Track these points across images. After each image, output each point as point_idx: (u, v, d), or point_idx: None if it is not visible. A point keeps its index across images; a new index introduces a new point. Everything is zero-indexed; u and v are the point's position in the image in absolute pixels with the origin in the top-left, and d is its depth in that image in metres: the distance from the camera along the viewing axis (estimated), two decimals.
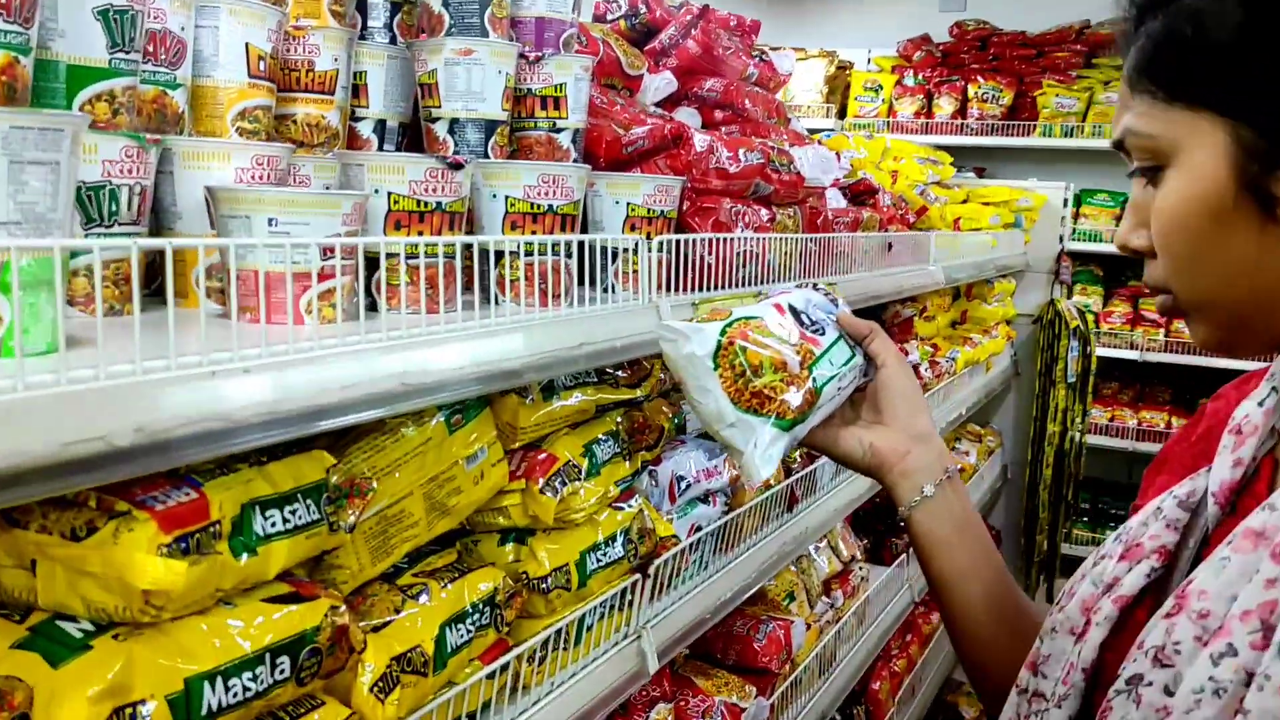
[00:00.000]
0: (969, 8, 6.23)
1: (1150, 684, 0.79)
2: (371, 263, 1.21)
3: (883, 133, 5.59)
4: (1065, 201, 4.27)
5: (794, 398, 1.06)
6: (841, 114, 6.04)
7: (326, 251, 1.06)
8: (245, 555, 0.92)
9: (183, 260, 1.21)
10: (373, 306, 1.23)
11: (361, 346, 1.02)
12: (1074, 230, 5.41)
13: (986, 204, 3.74)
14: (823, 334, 1.13)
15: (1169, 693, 0.77)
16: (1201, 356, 5.34)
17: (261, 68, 1.41)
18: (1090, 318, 4.51)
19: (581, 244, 1.41)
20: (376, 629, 1.13)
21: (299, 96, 1.53)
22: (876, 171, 3.10)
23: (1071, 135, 5.55)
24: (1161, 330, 5.44)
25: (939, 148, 4.67)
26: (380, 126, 1.64)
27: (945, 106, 5.87)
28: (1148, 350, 5.45)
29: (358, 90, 1.61)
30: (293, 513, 0.98)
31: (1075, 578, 0.96)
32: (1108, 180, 5.71)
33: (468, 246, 1.25)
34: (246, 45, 1.39)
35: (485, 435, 1.30)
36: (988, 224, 3.64)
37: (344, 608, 1.01)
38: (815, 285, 1.22)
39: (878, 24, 6.43)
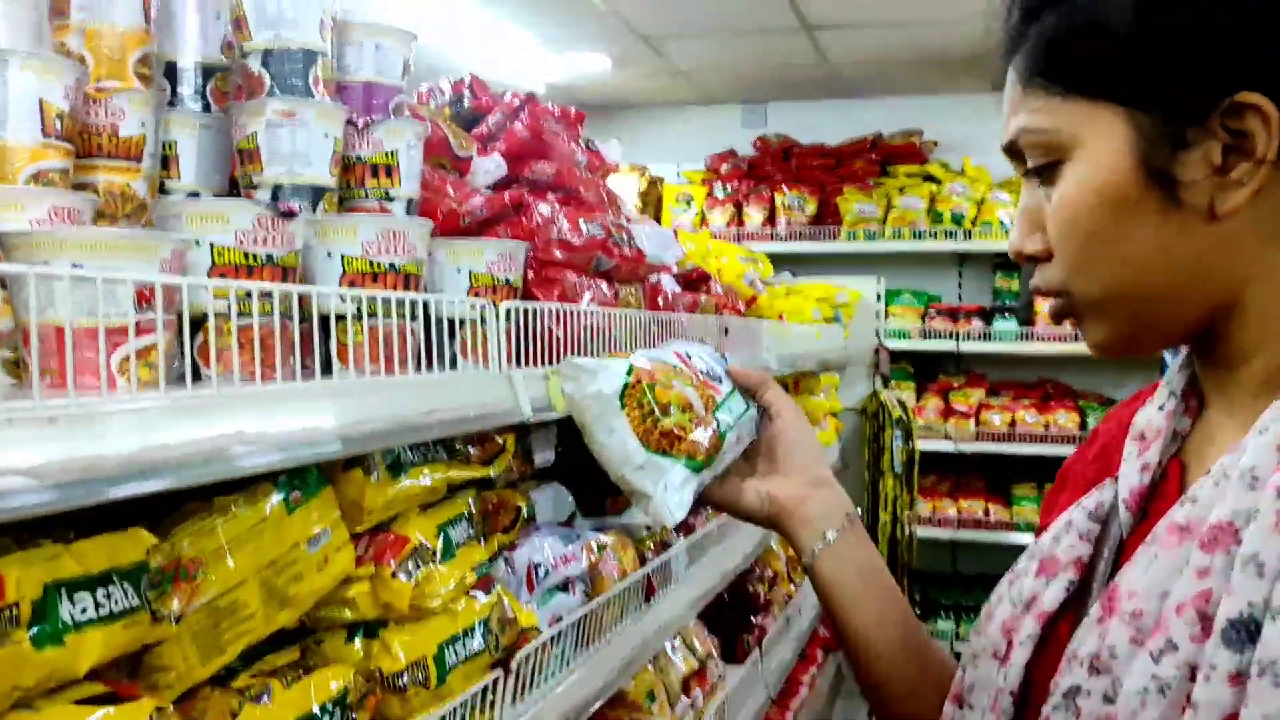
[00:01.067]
0: (769, 123, 6.52)
1: (1089, 694, 0.76)
2: (194, 327, 1.08)
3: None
4: (878, 296, 4.43)
5: (702, 438, 0.99)
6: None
7: (142, 298, 0.92)
8: (49, 645, 0.76)
9: None
10: (195, 375, 1.10)
11: (189, 403, 0.89)
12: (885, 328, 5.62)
13: (807, 298, 3.82)
14: (720, 382, 1.07)
15: (1109, 700, 0.75)
16: (1009, 444, 5.58)
17: (58, 127, 1.26)
18: (910, 411, 4.64)
19: (426, 307, 1.32)
20: None
21: (101, 163, 1.38)
22: (703, 263, 3.12)
23: (874, 239, 5.81)
24: (971, 420, 5.66)
25: None
26: (193, 200, 1.50)
27: (755, 215, 6.06)
28: (961, 441, 5.65)
29: (167, 161, 1.48)
30: (107, 597, 0.83)
31: (992, 601, 0.93)
32: (910, 281, 5.98)
33: (304, 301, 1.13)
34: (40, 101, 1.25)
35: (328, 516, 1.16)
36: (810, 317, 3.71)
37: (171, 709, 0.85)
38: (702, 340, 1.18)
39: (684, 140, 6.64)
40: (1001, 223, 5.59)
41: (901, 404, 4.39)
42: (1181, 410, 0.89)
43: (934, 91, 6.10)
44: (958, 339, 5.66)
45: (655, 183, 6.37)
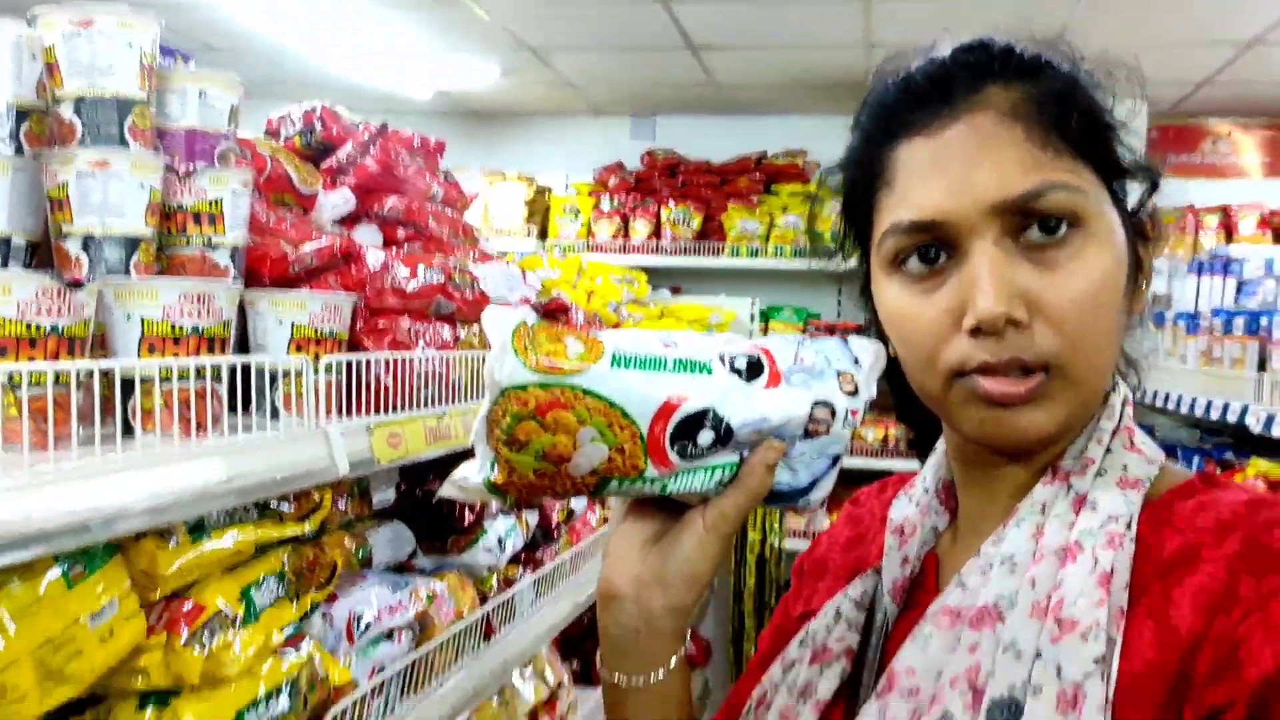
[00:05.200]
0: (658, 137, 6.57)
1: None
2: None
3: (583, 253, 5.73)
4: (752, 316, 4.50)
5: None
6: (543, 235, 6.15)
7: None
8: None
9: None
10: None
11: None
12: None
13: (681, 320, 3.87)
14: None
15: None
16: (879, 459, 5.71)
17: None
18: None
19: (234, 368, 1.31)
20: None
21: None
22: (572, 290, 3.14)
23: (756, 255, 5.90)
24: None
25: (637, 268, 4.81)
26: (4, 245, 1.46)
27: (641, 229, 6.10)
28: None
29: None
30: None
31: (766, 686, 0.96)
32: (790, 298, 6.09)
33: (88, 375, 1.11)
34: None
35: (115, 586, 1.15)
36: None
37: None
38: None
39: (573, 151, 6.65)
40: None
41: None
42: (938, 508, 0.95)
43: (818, 113, 6.22)
44: None
45: (543, 193, 6.37)
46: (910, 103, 0.85)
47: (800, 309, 6.00)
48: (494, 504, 2.18)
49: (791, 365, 0.85)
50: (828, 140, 6.21)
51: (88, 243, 1.39)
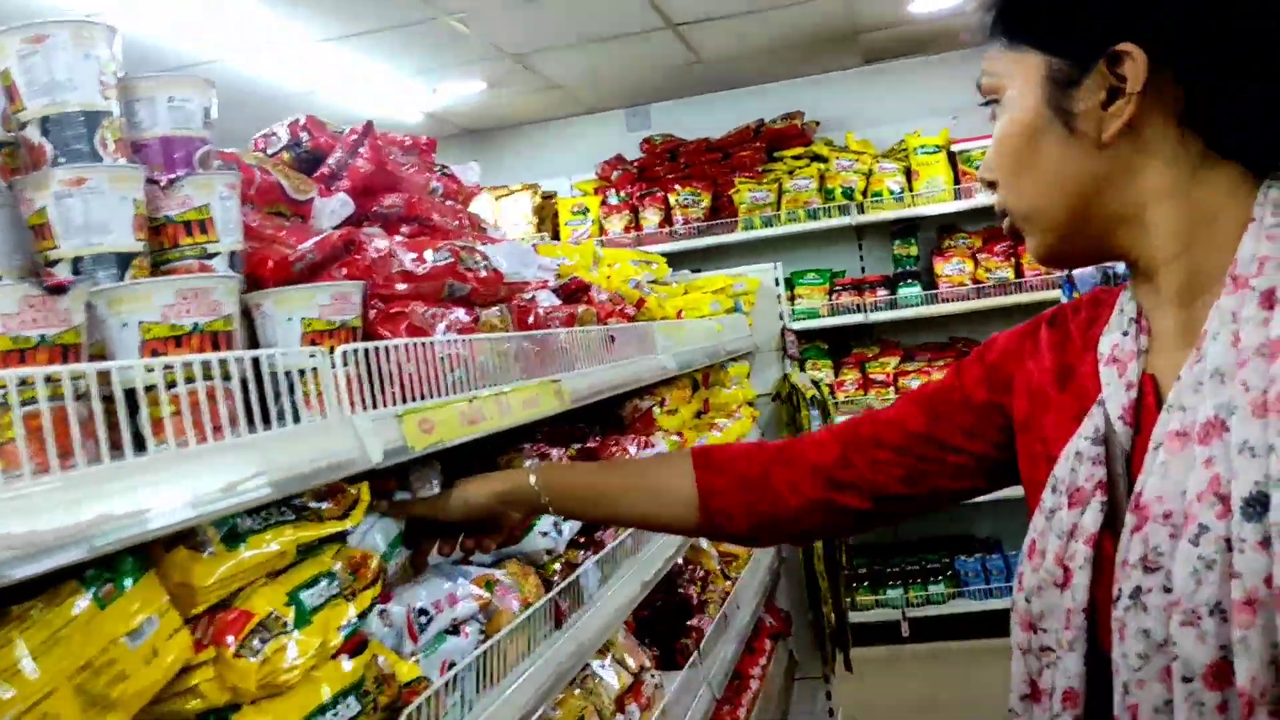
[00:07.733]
0: (654, 124, 6.50)
1: (1149, 590, 0.90)
2: None
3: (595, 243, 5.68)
4: (777, 280, 4.41)
5: None
6: (555, 239, 6.09)
7: None
8: None
9: None
10: None
11: None
12: (793, 311, 5.61)
13: (705, 292, 3.79)
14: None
15: (1168, 590, 0.89)
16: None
17: None
18: (825, 388, 4.63)
19: (253, 364, 1.24)
20: None
21: None
22: (590, 275, 3.06)
23: (770, 225, 5.81)
24: (890, 389, 5.67)
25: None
26: None
27: (651, 218, 6.03)
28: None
29: None
30: None
31: (1032, 534, 1.06)
32: (815, 260, 6.00)
33: (106, 377, 1.04)
34: None
35: (153, 603, 1.08)
36: (709, 311, 3.67)
37: None
38: None
39: (572, 152, 6.60)
40: (891, 191, 5.62)
41: (815, 383, 4.37)
42: (1138, 331, 1.05)
43: (809, 71, 6.12)
44: (865, 310, 5.67)
45: (549, 199, 6.32)
46: None
47: (824, 270, 5.90)
48: None
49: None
50: (823, 97, 6.14)
51: (78, 265, 1.33)
